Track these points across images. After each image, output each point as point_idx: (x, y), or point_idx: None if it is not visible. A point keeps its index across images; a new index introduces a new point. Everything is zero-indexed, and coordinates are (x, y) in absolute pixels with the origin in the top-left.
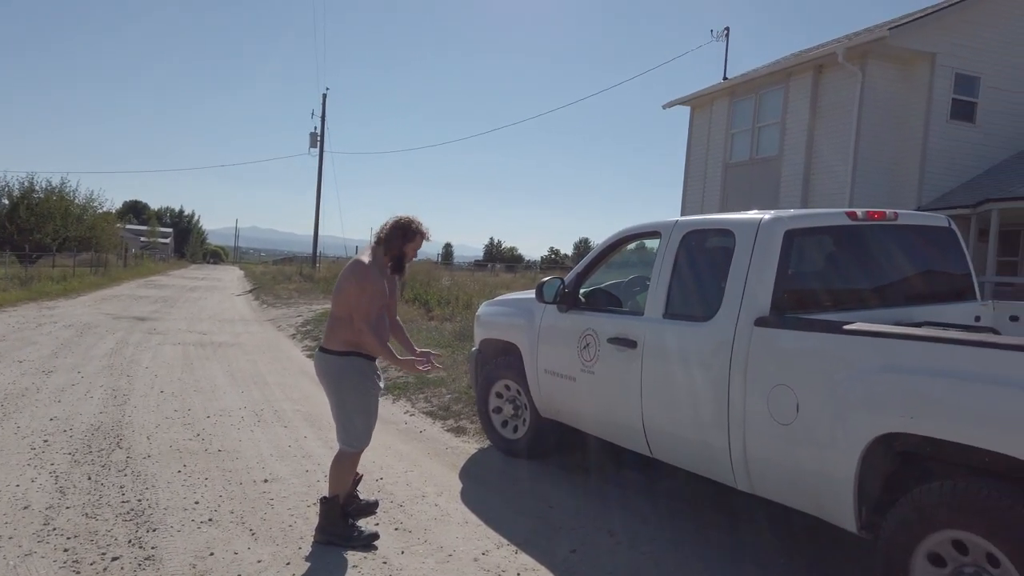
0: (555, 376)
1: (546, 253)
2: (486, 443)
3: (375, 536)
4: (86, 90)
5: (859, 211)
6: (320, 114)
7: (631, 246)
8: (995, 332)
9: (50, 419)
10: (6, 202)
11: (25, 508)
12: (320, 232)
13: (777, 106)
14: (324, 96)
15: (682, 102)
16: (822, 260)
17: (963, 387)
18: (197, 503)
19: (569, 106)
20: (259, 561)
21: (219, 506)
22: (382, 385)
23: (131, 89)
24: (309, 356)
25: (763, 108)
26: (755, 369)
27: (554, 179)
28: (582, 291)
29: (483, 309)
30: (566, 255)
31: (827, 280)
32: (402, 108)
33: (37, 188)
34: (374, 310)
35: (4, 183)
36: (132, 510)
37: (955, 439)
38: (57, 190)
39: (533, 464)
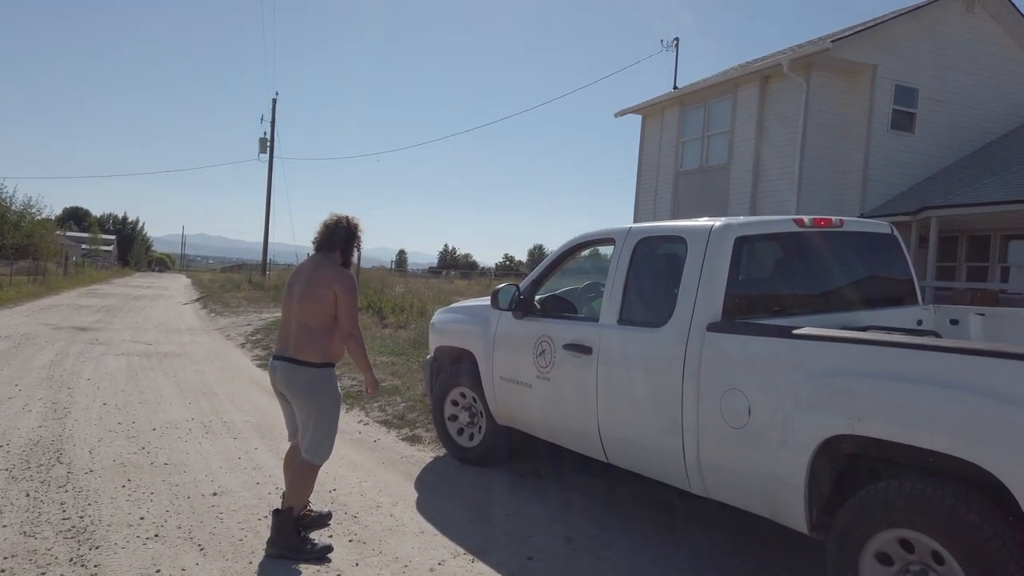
0: (511, 383)
1: (501, 260)
2: (442, 451)
3: (329, 548)
4: (21, 92)
5: (806, 218)
6: (270, 119)
7: (585, 253)
8: (937, 336)
9: None
10: None
11: None
12: (270, 239)
13: (726, 115)
14: (274, 101)
15: (634, 111)
16: (771, 266)
17: (907, 389)
18: (142, 519)
19: (523, 113)
20: None
21: (166, 521)
22: None
23: (70, 91)
24: (259, 366)
25: (712, 117)
26: (707, 374)
27: (509, 186)
28: (537, 298)
29: (438, 316)
30: (521, 262)
31: (776, 286)
32: (355, 112)
33: None
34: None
35: None
36: (73, 527)
37: (900, 440)
38: None
39: (489, 472)
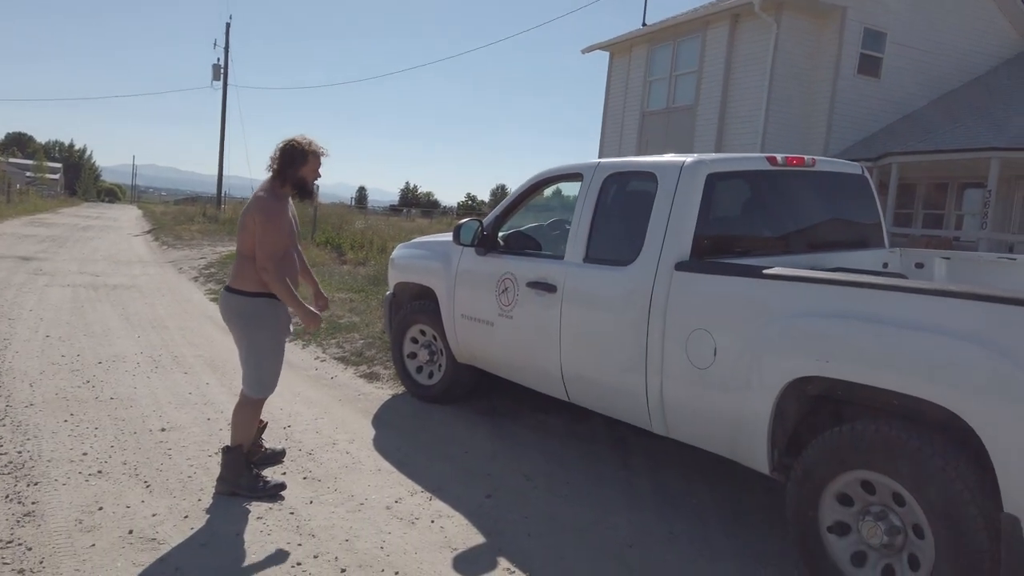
0: (472, 321)
1: (463, 199)
2: (400, 389)
3: (282, 486)
4: None
5: (779, 156)
6: (223, 45)
7: (550, 189)
8: (903, 278)
9: None
10: None
11: None
12: (225, 172)
13: (694, 55)
14: (228, 25)
15: (601, 47)
16: (741, 205)
17: (875, 331)
18: (85, 454)
19: (489, 46)
20: (154, 515)
21: (110, 457)
22: (292, 328)
23: (11, 9)
24: (213, 299)
25: (680, 56)
26: (674, 314)
27: (473, 125)
28: (501, 234)
29: (398, 252)
30: (483, 201)
31: (745, 225)
32: (314, 40)
33: None
34: (280, 248)
35: None
36: (11, 463)
37: (867, 382)
38: None
39: (448, 410)
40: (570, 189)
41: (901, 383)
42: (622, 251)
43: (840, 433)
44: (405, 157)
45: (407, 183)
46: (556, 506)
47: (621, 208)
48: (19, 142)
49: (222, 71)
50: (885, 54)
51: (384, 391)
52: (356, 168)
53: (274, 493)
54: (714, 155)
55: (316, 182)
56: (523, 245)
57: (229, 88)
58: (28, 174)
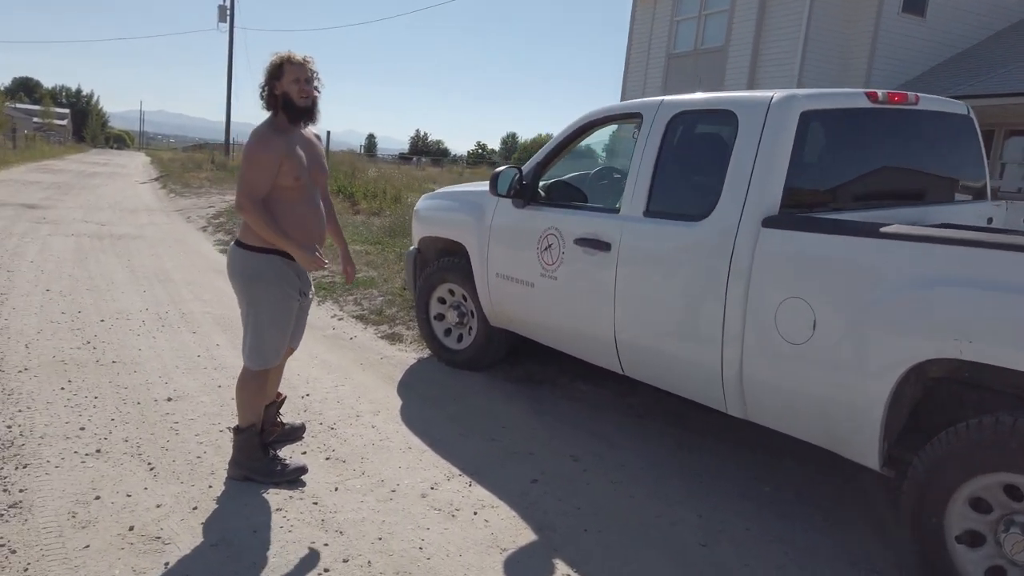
0: (509, 281)
1: (473, 148)
2: (425, 352)
3: (303, 469)
4: None
5: (879, 92)
6: None
7: (598, 132)
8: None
9: None
10: None
11: None
12: (233, 118)
13: None
14: None
15: None
16: (837, 149)
17: None
18: (83, 429)
19: None
20: (158, 506)
21: (110, 433)
22: (311, 293)
23: None
24: (222, 251)
25: None
26: (761, 278)
27: (484, 71)
28: (541, 184)
29: (423, 203)
30: (493, 150)
31: (840, 173)
32: None
33: None
34: (262, 188)
35: None
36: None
37: (1014, 366)
38: None
39: (479, 377)
40: (616, 133)
41: None
42: (693, 204)
43: (980, 426)
44: (415, 105)
45: (417, 131)
46: (612, 495)
47: (691, 153)
48: (26, 87)
49: (228, 13)
50: None
51: (408, 354)
52: (366, 116)
53: (294, 478)
54: (805, 90)
55: (312, 100)
56: (567, 196)
57: (236, 31)
58: (35, 120)
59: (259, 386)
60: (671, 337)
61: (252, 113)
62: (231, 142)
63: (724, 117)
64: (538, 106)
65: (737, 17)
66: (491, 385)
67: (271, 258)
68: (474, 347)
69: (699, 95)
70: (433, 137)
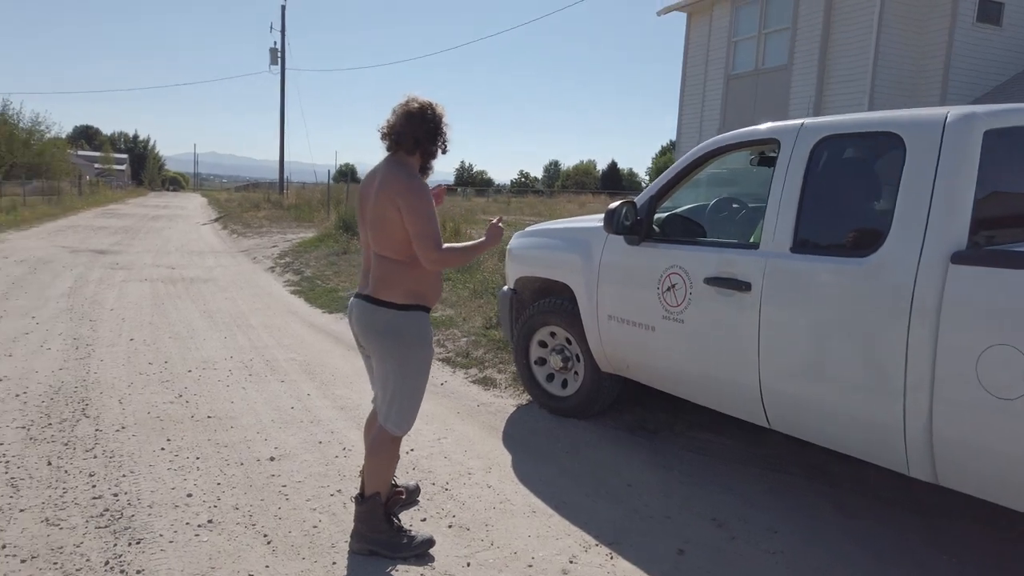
0: (624, 324)
1: (516, 176)
2: (523, 398)
3: (430, 542)
4: (19, 4)
5: None
6: (280, 28)
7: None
8: None
9: None
10: None
11: None
12: (285, 157)
13: (787, 9)
14: (283, 8)
15: (678, 8)
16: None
17: None
18: (190, 496)
19: (552, 14)
20: None
21: (219, 499)
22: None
23: (75, 8)
24: (293, 292)
25: (770, 12)
26: (955, 321)
27: (526, 100)
28: (656, 217)
29: (517, 241)
30: (536, 178)
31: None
32: (370, 21)
33: None
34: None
35: None
36: (107, 510)
37: None
38: None
39: (587, 426)
40: (728, 162)
41: None
42: (853, 238)
43: None
44: (457, 137)
45: (462, 162)
46: (769, 567)
47: (845, 181)
48: (86, 135)
49: (279, 54)
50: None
51: (505, 400)
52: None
53: (422, 551)
54: (982, 107)
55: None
56: (686, 232)
57: (286, 71)
58: (96, 166)
59: (396, 452)
60: (834, 387)
61: (300, 151)
62: (285, 180)
63: (885, 140)
64: (578, 134)
65: (800, 34)
66: (602, 435)
67: (420, 315)
68: (581, 393)
69: (850, 116)
70: (476, 168)
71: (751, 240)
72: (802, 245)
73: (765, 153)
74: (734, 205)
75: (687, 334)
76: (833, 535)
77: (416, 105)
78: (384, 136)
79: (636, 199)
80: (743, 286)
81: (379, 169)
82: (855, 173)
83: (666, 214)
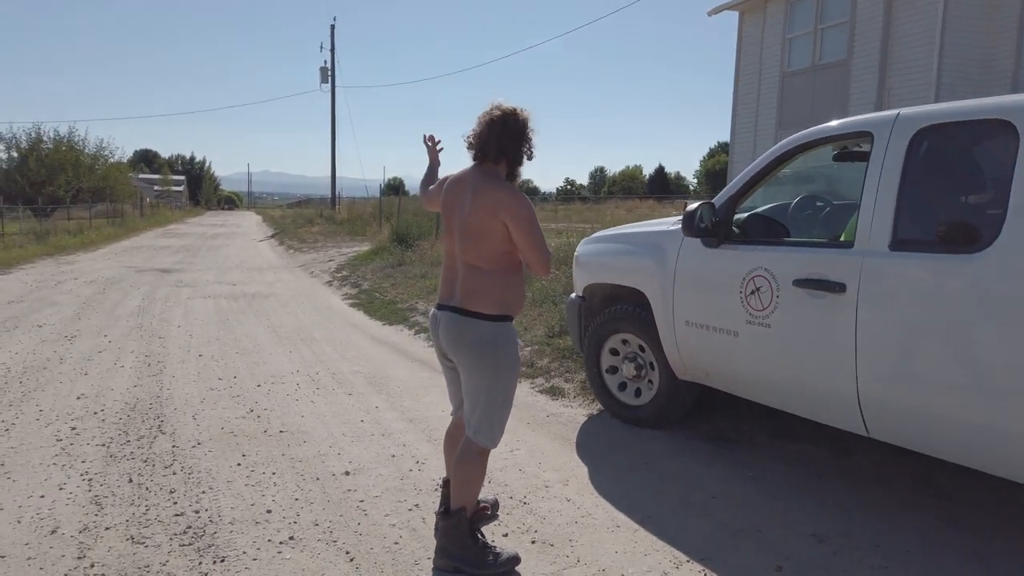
0: (704, 330)
1: (561, 184)
2: (594, 408)
3: (516, 559)
4: (83, 36)
5: None
6: (329, 47)
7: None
8: None
9: (77, 397)
10: (15, 155)
11: (53, 532)
12: (335, 172)
13: (845, 3)
14: (332, 28)
15: (730, 7)
16: None
17: None
18: (269, 512)
19: (601, 19)
20: None
21: (298, 515)
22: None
23: (130, 35)
24: (353, 305)
25: (827, 7)
26: None
27: (570, 108)
28: (735, 218)
29: (585, 248)
30: (582, 185)
31: None
32: (417, 36)
33: (45, 139)
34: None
35: (11, 135)
36: (189, 527)
37: None
38: (66, 140)
39: (663, 436)
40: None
41: None
42: (961, 233)
43: None
44: None
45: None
46: None
47: (948, 173)
48: (146, 158)
49: (329, 72)
50: None
51: (575, 410)
52: (460, 157)
53: (508, 569)
54: None
55: None
56: (768, 232)
57: (336, 89)
58: (156, 188)
59: (485, 465)
60: (947, 394)
61: (350, 167)
62: (337, 196)
63: (994, 128)
64: (624, 139)
65: (859, 27)
66: (680, 445)
67: (508, 325)
68: (656, 402)
69: (951, 104)
70: (524, 176)
71: (842, 239)
72: (901, 243)
73: (848, 148)
74: (818, 203)
75: (775, 339)
76: (943, 551)
77: (498, 113)
78: (470, 146)
79: (715, 200)
80: (837, 287)
81: (467, 178)
82: (959, 164)
83: (745, 214)
